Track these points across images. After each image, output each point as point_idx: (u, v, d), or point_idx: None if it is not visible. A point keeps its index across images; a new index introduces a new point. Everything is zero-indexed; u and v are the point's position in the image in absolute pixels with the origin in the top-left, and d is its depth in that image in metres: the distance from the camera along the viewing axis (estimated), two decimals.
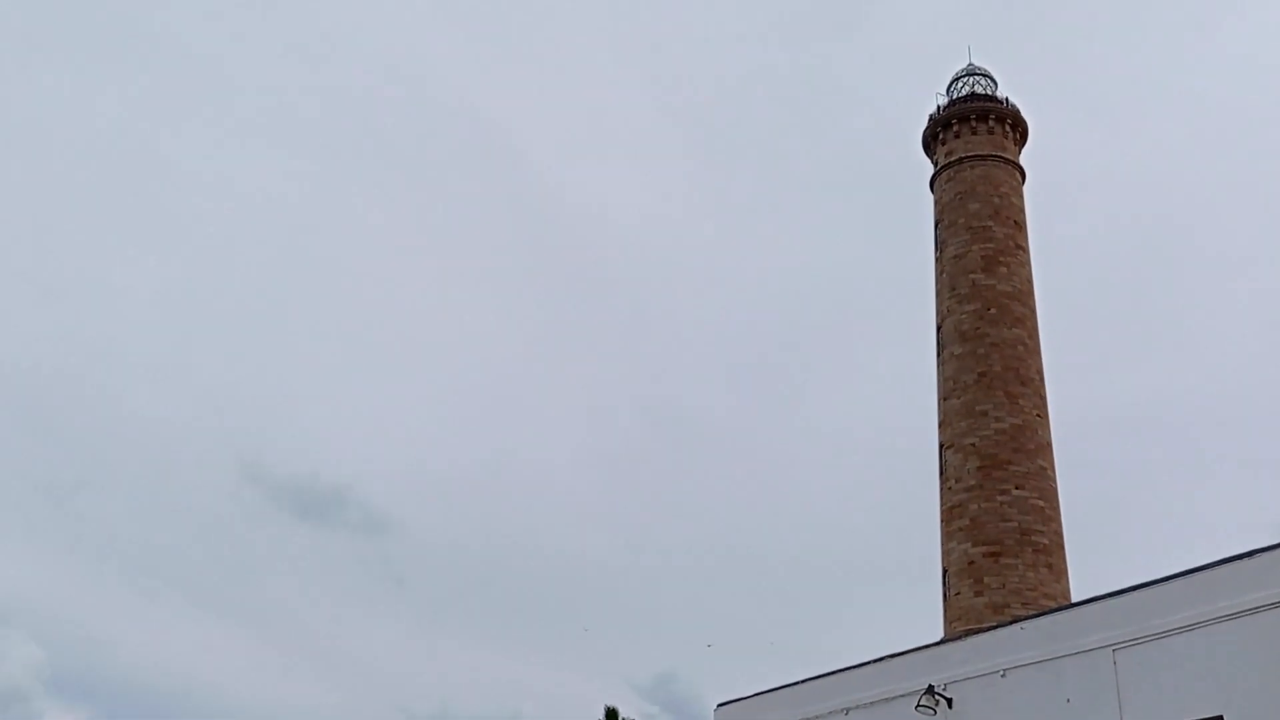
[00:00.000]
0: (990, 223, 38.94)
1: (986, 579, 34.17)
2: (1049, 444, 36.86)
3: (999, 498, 35.07)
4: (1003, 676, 17.16)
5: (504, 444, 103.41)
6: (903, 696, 18.35)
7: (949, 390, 37.51)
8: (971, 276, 38.38)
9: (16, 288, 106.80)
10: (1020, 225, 39.70)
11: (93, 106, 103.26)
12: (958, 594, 34.69)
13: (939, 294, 39.65)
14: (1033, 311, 38.74)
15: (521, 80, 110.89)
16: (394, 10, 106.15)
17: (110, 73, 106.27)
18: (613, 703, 40.95)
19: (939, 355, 38.75)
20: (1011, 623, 19.92)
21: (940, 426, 37.69)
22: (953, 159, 40.21)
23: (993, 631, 19.69)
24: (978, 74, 42.11)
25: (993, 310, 37.75)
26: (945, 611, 35.28)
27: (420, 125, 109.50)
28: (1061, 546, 35.42)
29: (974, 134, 40.15)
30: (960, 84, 41.86)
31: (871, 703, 19.16)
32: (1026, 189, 40.79)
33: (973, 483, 35.56)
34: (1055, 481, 36.39)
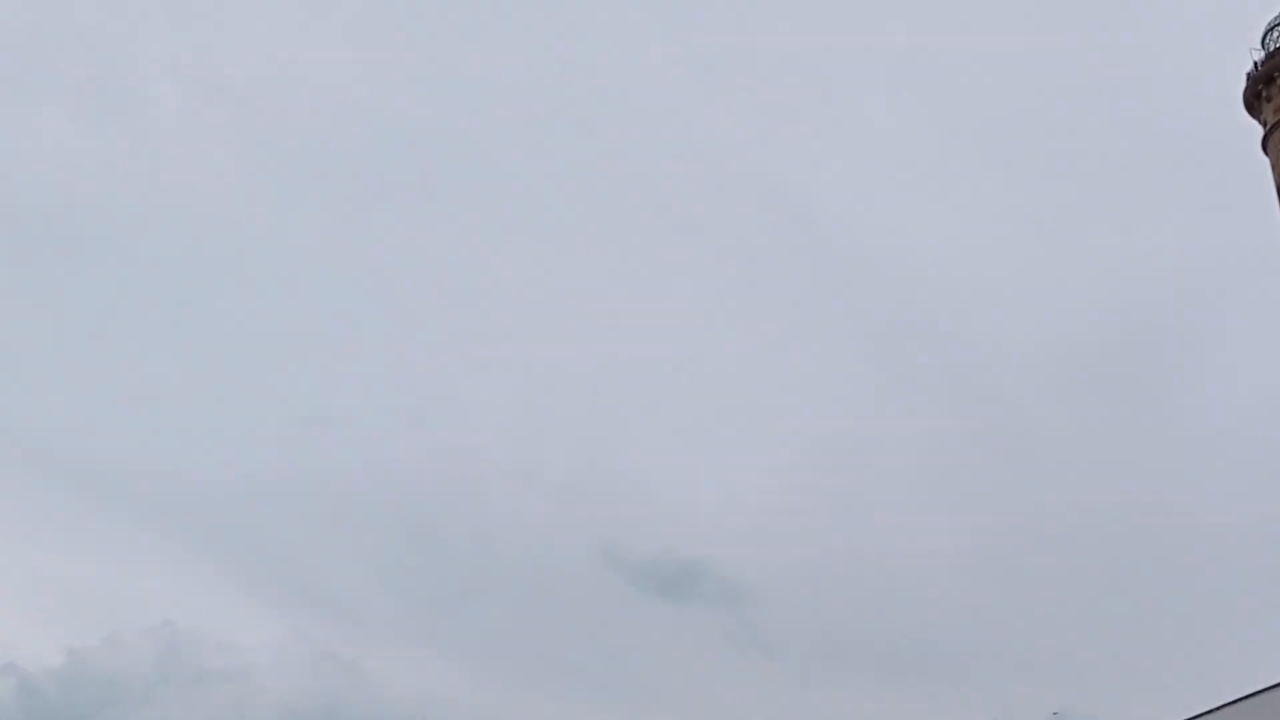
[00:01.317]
0: None
1: None
2: None
3: None
4: None
5: (851, 497, 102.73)
6: None
7: None
8: None
9: (391, 418, 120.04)
10: None
11: (423, 242, 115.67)
12: None
13: None
14: None
15: (805, 135, 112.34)
16: (674, 87, 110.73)
17: (435, 208, 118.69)
18: None
19: None
20: None
21: None
22: None
23: None
24: None
25: None
26: None
27: (712, 192, 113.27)
28: None
29: None
30: (1276, 33, 38.08)
31: None
32: None
33: None
34: None
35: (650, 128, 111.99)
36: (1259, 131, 37.93)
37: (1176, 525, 75.76)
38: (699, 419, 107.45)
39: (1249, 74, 37.91)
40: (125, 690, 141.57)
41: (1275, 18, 38.47)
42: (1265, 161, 37.83)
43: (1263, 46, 38.12)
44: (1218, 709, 19.38)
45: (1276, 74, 36.79)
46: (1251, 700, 18.80)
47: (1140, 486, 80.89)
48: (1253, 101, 37.98)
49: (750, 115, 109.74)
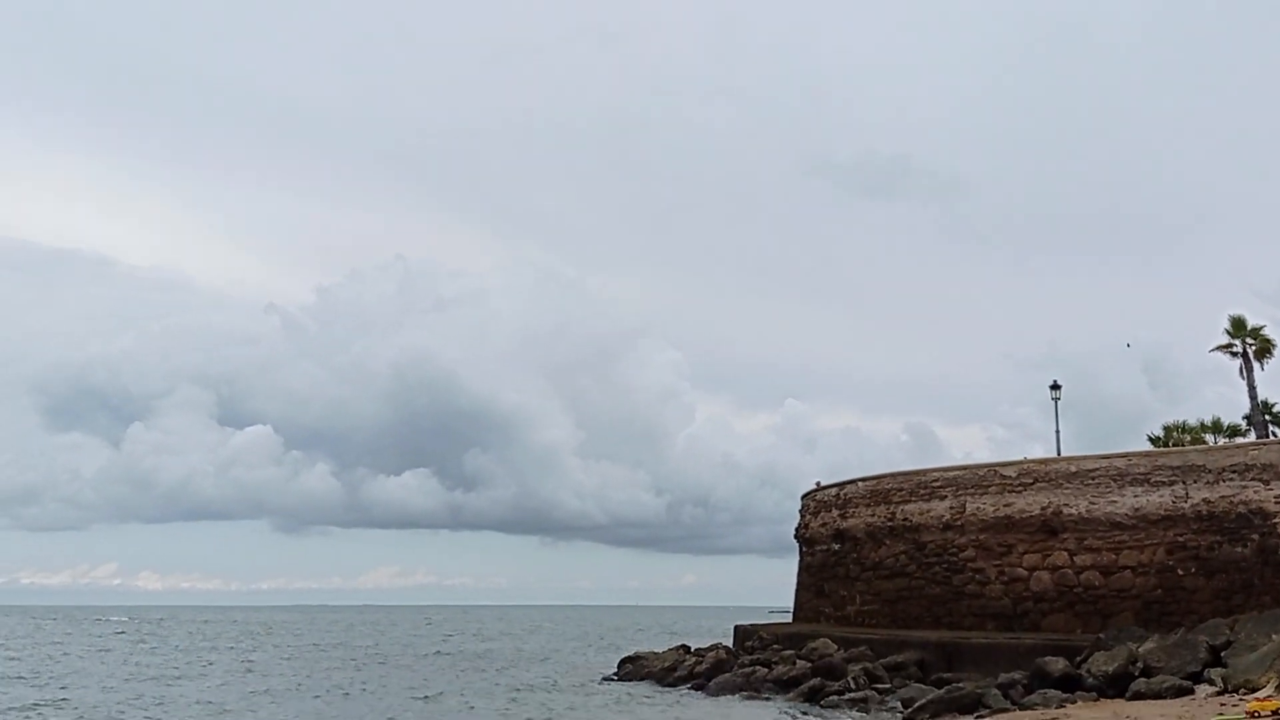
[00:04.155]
0: None
1: None
2: None
3: None
4: None
5: (1064, 78, 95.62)
6: None
7: None
8: None
9: (583, 41, 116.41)
10: None
11: None
12: None
13: None
14: None
15: None
16: None
17: None
18: (1236, 311, 40.03)
19: None
20: None
21: None
22: None
23: None
24: None
25: None
26: None
27: None
28: None
29: None
30: None
31: None
32: None
33: None
34: None
35: None
36: None
37: None
38: (896, 9, 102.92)
39: None
40: (372, 321, 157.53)
41: None
42: None
43: None
44: None
45: None
46: None
47: None
48: None
49: None
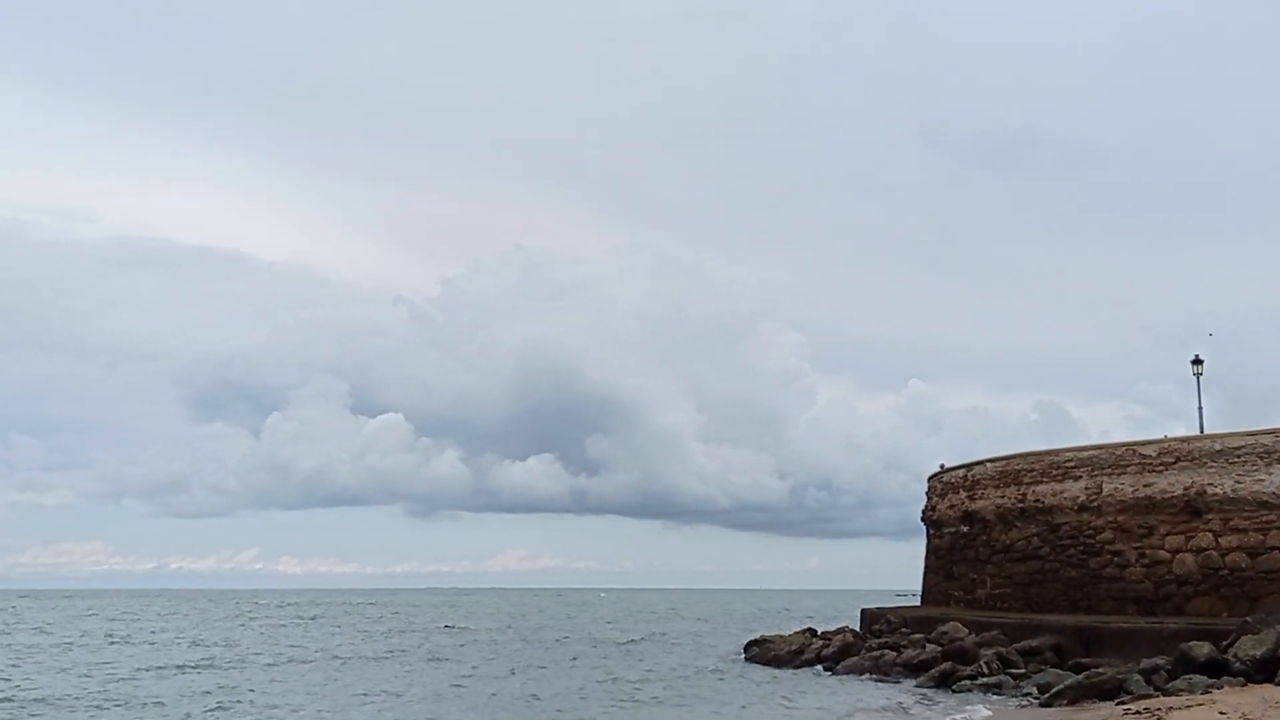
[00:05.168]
0: None
1: None
2: None
3: None
4: None
5: (1188, 36, 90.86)
6: None
7: None
8: None
9: (695, 24, 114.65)
10: None
11: None
12: None
13: None
14: None
15: None
16: None
17: None
18: None
19: None
20: None
21: None
22: None
23: None
24: None
25: None
26: None
27: None
28: None
29: None
30: None
31: None
32: None
33: None
34: None
35: None
36: None
37: None
38: None
39: None
40: (494, 310, 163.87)
41: None
42: None
43: None
44: None
45: None
46: None
47: None
48: None
49: None
